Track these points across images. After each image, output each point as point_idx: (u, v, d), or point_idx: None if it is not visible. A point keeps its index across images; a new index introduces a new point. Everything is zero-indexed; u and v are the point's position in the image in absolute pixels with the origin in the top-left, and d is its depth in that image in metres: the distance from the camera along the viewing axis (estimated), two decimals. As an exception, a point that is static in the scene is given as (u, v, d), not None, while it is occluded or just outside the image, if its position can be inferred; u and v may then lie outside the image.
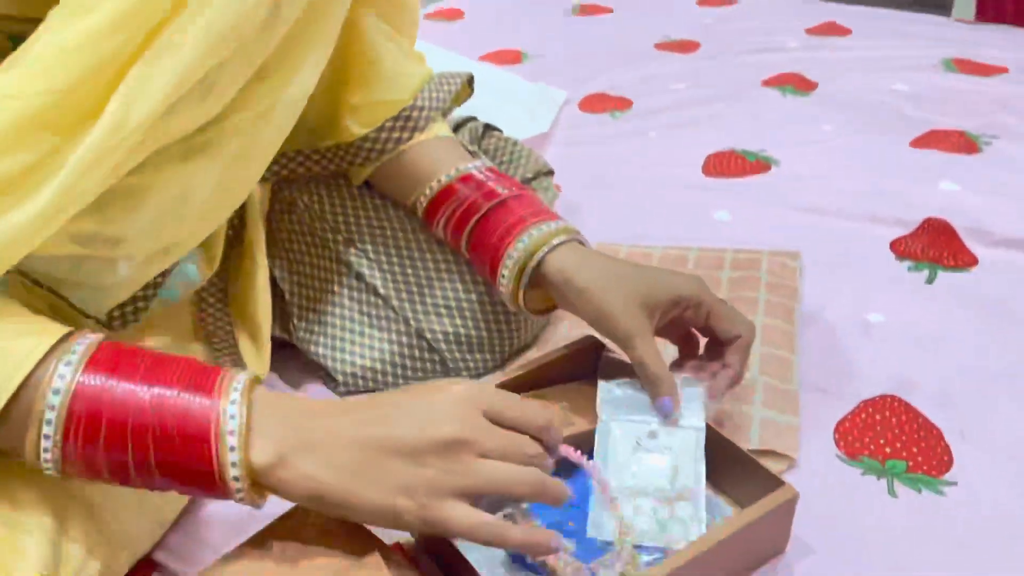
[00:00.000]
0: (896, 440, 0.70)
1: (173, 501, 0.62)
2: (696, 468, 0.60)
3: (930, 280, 0.91)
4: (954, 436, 0.71)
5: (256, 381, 0.50)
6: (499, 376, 0.71)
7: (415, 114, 0.73)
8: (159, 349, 0.50)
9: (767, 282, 0.89)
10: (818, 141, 1.20)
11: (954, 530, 0.62)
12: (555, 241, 0.66)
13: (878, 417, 0.73)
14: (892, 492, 0.66)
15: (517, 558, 0.58)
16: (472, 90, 0.83)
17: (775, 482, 0.58)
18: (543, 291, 0.69)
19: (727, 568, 0.57)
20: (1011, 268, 0.92)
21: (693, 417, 0.62)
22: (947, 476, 0.67)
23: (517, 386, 0.67)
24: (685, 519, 0.58)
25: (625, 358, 0.64)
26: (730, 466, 0.62)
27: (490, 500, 0.55)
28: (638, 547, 0.58)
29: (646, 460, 0.61)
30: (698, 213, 1.05)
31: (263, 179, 0.76)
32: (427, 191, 0.73)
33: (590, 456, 0.58)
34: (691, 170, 1.15)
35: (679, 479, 0.60)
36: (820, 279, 0.91)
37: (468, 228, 0.70)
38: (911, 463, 0.68)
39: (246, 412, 0.47)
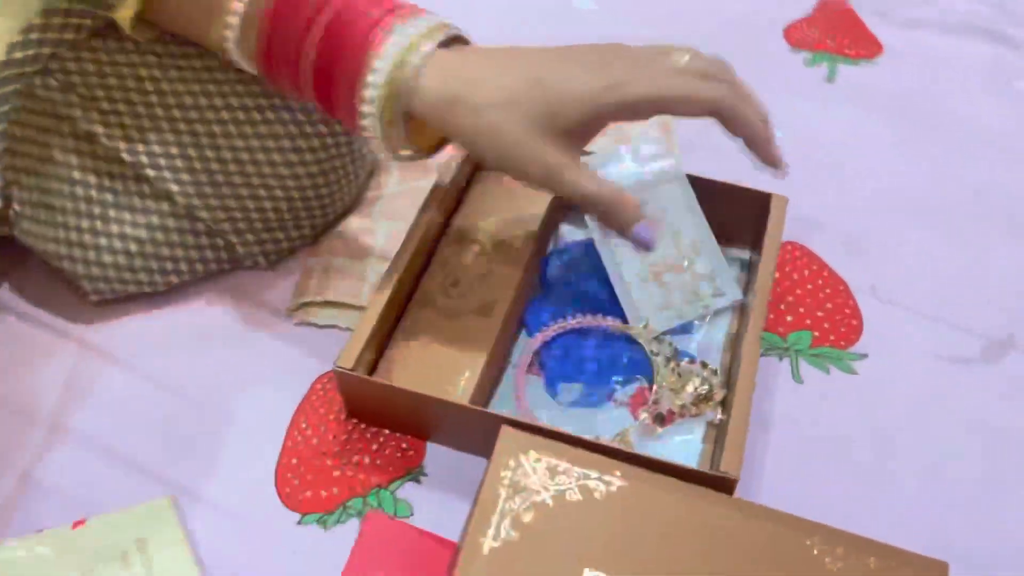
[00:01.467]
0: (799, 304, 0.59)
1: None
2: (696, 221, 0.56)
3: (830, 77, 0.76)
4: (864, 293, 0.59)
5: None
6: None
7: None
8: None
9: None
10: None
11: (868, 415, 0.53)
12: (425, 48, 0.46)
13: (778, 274, 0.60)
14: (797, 376, 0.55)
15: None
16: None
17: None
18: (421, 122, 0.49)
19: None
20: (919, 53, 0.78)
21: (670, 170, 0.56)
22: (857, 347, 0.56)
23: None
24: (708, 274, 0.56)
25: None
26: (719, 203, 0.57)
27: None
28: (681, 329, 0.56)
29: None
30: (559, 2, 0.84)
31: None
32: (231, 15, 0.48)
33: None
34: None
35: (684, 238, 0.55)
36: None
37: (304, 58, 0.47)
38: (816, 333, 0.57)
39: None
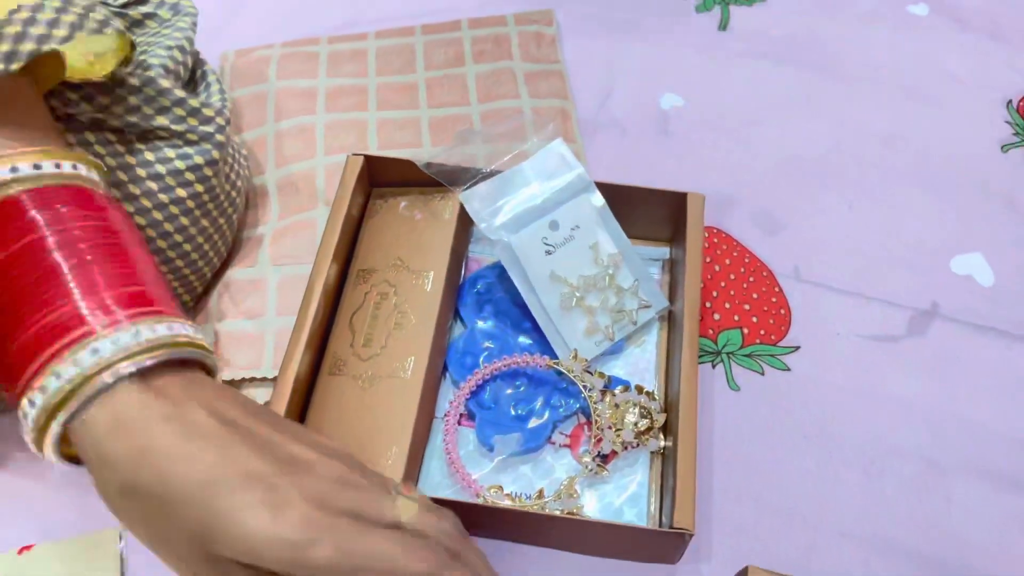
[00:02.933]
0: (724, 297, 0.56)
1: None
2: (611, 231, 0.53)
3: (723, 24, 0.72)
4: (787, 277, 0.57)
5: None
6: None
7: None
8: None
9: (526, 72, 0.67)
10: None
11: (808, 413, 0.52)
12: (91, 391, 0.33)
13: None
14: (732, 383, 0.53)
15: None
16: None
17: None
18: None
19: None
20: (809, -13, 0.74)
21: (579, 182, 0.53)
22: (787, 339, 0.55)
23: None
24: (631, 288, 0.53)
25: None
26: (633, 207, 0.55)
27: None
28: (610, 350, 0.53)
29: (562, 256, 0.52)
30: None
31: None
32: None
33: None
34: None
35: (602, 252, 0.53)
36: (590, 50, 0.69)
37: None
38: (746, 330, 0.55)
39: None
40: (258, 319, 0.55)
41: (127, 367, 0.33)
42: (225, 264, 0.57)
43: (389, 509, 0.35)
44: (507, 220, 0.51)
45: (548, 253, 0.52)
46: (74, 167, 0.38)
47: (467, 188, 0.52)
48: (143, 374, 0.34)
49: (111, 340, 0.33)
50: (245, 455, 0.33)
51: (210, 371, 0.38)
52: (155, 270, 0.39)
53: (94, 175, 0.40)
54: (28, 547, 0.47)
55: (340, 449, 0.37)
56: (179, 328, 0.36)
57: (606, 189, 0.53)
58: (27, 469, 0.49)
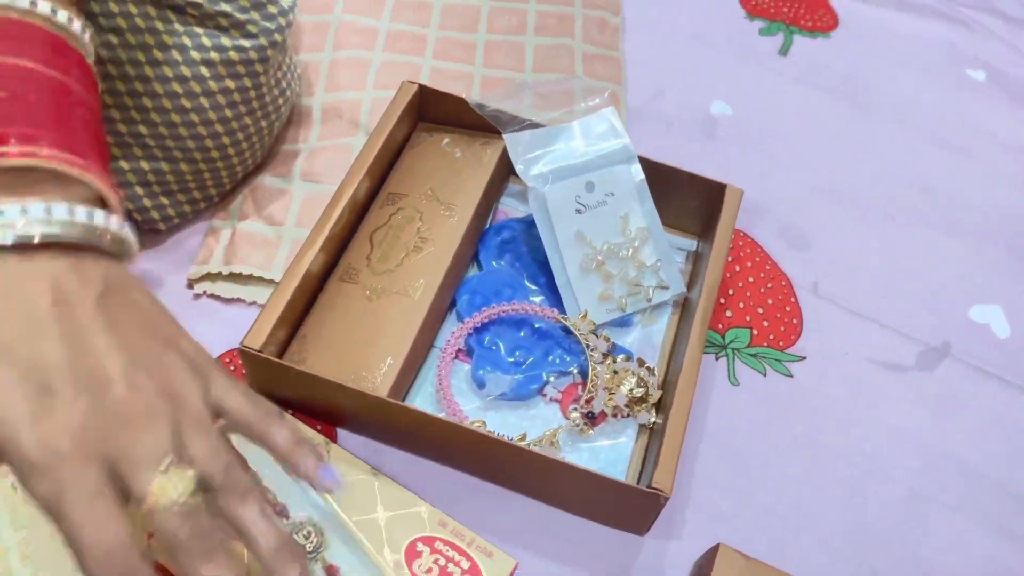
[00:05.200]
0: (740, 297, 0.56)
1: None
2: (645, 207, 0.53)
3: (784, 50, 0.73)
4: (805, 290, 0.57)
5: None
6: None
7: None
8: None
9: (584, 52, 0.68)
10: None
11: (802, 421, 0.51)
12: None
13: (720, 264, 0.57)
14: (733, 378, 0.53)
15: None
16: None
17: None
18: None
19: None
20: (875, 31, 0.75)
21: (622, 152, 0.53)
22: (795, 348, 0.55)
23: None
24: (653, 265, 0.53)
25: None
26: (670, 193, 0.55)
27: None
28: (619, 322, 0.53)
29: (591, 217, 0.52)
30: None
31: None
32: None
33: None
34: None
35: (631, 224, 0.53)
36: (651, 48, 0.70)
37: None
38: (755, 331, 0.55)
39: None
40: (278, 227, 0.55)
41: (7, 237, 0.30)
42: (257, 169, 0.58)
43: (141, 482, 0.29)
44: (545, 171, 0.52)
45: (579, 212, 0.52)
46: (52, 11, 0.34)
47: (513, 131, 0.52)
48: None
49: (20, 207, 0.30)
50: (50, 343, 0.30)
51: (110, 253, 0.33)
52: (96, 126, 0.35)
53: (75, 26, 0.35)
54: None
55: (181, 390, 0.32)
56: (81, 213, 0.31)
57: (648, 166, 0.54)
58: None
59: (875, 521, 0.48)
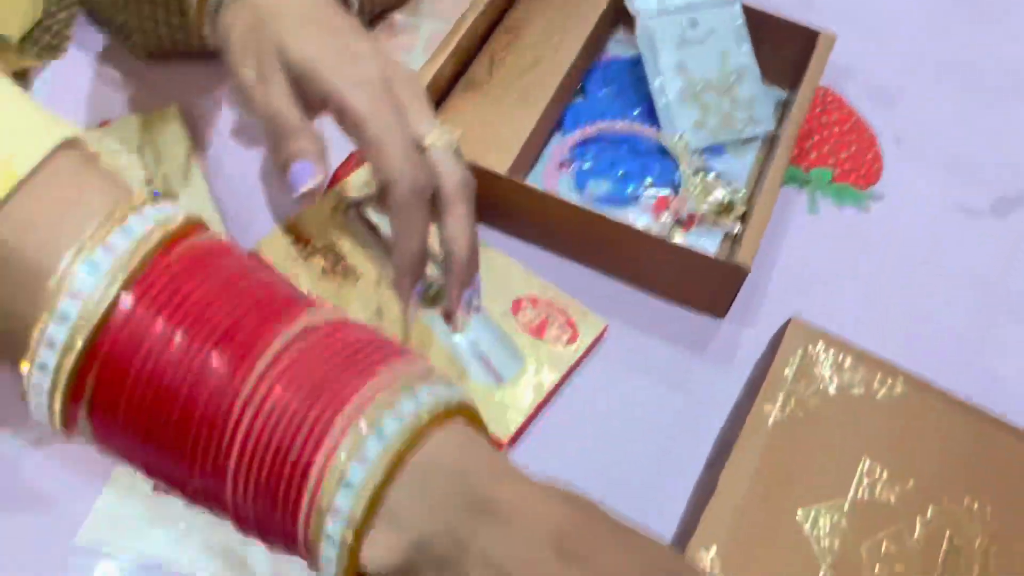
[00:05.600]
0: (825, 143, 0.60)
1: None
2: (743, 48, 0.59)
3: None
4: (887, 141, 0.61)
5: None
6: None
7: None
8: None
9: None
10: None
11: (874, 249, 0.56)
12: None
13: (808, 115, 0.62)
14: (813, 207, 0.57)
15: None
16: None
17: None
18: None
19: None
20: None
21: None
22: (874, 189, 0.59)
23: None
24: (747, 101, 0.58)
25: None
26: (767, 35, 0.60)
27: None
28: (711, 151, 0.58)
29: (693, 51, 0.57)
30: None
31: None
32: None
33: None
34: None
35: (730, 62, 0.57)
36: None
37: None
38: (837, 171, 0.59)
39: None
40: (408, 52, 0.61)
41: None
42: (391, 7, 0.64)
43: (424, 128, 0.41)
44: (653, 5, 0.57)
45: (681, 45, 0.57)
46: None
47: None
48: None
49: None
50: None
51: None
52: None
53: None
54: (106, 122, 0.53)
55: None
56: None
57: (748, 11, 0.58)
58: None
59: (943, 345, 0.52)
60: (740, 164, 0.58)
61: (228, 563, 0.40)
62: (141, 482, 0.41)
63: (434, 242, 0.43)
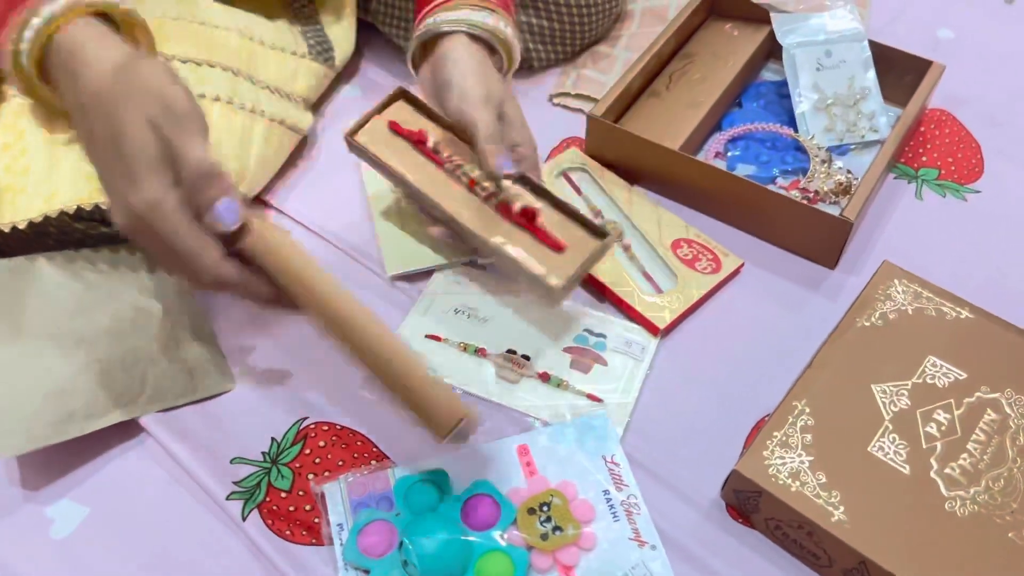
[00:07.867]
0: (934, 150, 0.76)
1: None
2: (868, 74, 0.76)
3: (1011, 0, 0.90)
4: (991, 152, 0.75)
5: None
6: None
7: None
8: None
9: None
10: None
11: (968, 230, 0.70)
12: (443, 28, 0.62)
13: (922, 128, 0.77)
14: (919, 195, 0.72)
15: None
16: None
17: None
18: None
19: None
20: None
21: (854, 33, 0.76)
22: (974, 185, 0.73)
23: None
24: (869, 114, 0.75)
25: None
26: (889, 65, 0.77)
27: None
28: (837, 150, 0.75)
29: (827, 75, 0.75)
30: None
31: None
32: None
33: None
34: None
35: (856, 84, 0.75)
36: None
37: None
38: (942, 171, 0.74)
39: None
40: (607, 73, 0.83)
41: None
42: (597, 41, 0.86)
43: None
44: (797, 40, 0.75)
45: (818, 70, 0.75)
46: None
47: (780, 13, 0.76)
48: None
49: None
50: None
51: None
52: None
53: None
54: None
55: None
56: None
57: (874, 45, 0.75)
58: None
59: (1020, 298, 0.65)
60: (860, 163, 0.74)
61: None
62: None
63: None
